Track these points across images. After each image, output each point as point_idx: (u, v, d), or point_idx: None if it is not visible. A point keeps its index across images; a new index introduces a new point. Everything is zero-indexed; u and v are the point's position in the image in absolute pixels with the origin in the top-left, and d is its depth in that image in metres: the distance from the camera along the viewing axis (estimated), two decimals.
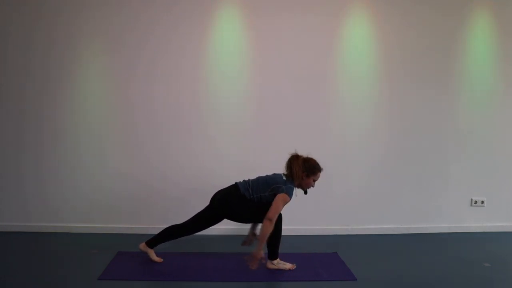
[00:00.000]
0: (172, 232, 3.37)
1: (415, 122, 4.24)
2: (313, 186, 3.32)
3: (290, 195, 3.17)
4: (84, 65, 3.93)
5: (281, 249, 3.32)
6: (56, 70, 3.91)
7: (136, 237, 3.78)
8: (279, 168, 4.10)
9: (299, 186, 3.27)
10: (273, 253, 3.28)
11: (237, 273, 3.23)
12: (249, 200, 3.24)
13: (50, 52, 3.89)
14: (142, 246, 3.38)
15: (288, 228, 3.98)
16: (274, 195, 3.17)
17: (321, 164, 4.11)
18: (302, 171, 3.22)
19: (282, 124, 4.10)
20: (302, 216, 4.17)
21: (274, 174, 3.31)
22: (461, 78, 4.27)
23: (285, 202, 3.16)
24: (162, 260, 3.37)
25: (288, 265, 3.30)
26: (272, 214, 3.09)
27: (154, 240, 3.37)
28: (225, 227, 3.99)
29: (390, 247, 3.91)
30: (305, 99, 4.10)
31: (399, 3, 4.13)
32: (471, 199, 4.40)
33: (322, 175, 4.14)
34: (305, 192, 3.34)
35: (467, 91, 4.28)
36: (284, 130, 4.10)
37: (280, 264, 3.30)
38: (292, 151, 3.28)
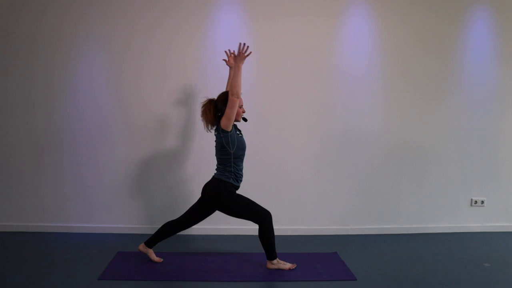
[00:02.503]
0: (169, 229, 3.38)
1: (415, 122, 4.24)
2: (244, 112, 3.35)
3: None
4: (86, 66, 3.93)
5: (281, 249, 3.33)
6: (58, 70, 3.91)
7: (136, 237, 3.79)
8: (278, 167, 4.12)
9: (235, 120, 3.26)
10: (271, 254, 3.28)
11: (237, 273, 3.23)
12: (234, 191, 3.26)
13: (53, 53, 3.89)
14: (141, 247, 3.39)
15: (288, 228, 4.01)
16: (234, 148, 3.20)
17: (321, 163, 4.16)
18: (220, 109, 3.22)
19: (282, 124, 4.10)
20: (302, 216, 4.17)
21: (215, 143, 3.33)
22: (461, 79, 4.26)
23: (232, 106, 3.13)
24: (161, 260, 3.38)
25: (288, 265, 3.30)
26: (227, 115, 3.13)
27: (153, 239, 3.38)
28: (225, 227, 4.00)
29: (390, 247, 3.91)
30: (305, 99, 4.09)
31: (399, 5, 4.12)
32: (471, 199, 4.40)
33: (322, 175, 4.17)
34: (245, 120, 3.38)
35: (467, 91, 4.28)
36: (284, 130, 4.10)
37: (280, 264, 3.30)
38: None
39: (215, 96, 3.34)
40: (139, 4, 3.92)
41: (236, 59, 3.26)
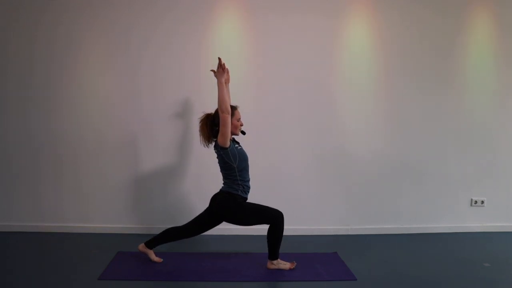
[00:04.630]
0: (173, 234, 3.37)
1: (415, 122, 4.24)
2: (242, 125, 3.33)
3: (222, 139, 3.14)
4: (87, 65, 3.93)
5: (282, 249, 3.32)
6: (57, 72, 3.91)
7: (136, 237, 3.79)
8: (278, 167, 4.12)
9: (233, 134, 3.26)
10: (273, 254, 3.27)
11: (237, 273, 3.23)
12: (243, 201, 3.26)
13: (52, 52, 3.89)
14: (141, 247, 3.39)
15: (288, 228, 3.97)
16: (233, 160, 3.19)
17: (321, 163, 4.17)
18: (218, 124, 3.17)
19: (282, 125, 4.10)
20: (302, 216, 4.17)
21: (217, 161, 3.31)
22: (461, 79, 4.26)
23: (225, 124, 3.10)
24: (161, 260, 3.38)
25: (288, 265, 3.30)
26: (222, 132, 3.11)
27: (154, 241, 3.37)
28: (225, 227, 3.98)
29: (390, 247, 3.91)
30: (305, 99, 4.10)
31: (399, 5, 4.12)
32: (471, 199, 4.40)
33: (322, 175, 4.17)
34: (243, 133, 3.37)
35: (467, 91, 4.28)
36: (284, 130, 4.10)
37: (280, 264, 3.29)
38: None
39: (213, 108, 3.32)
40: (138, 3, 3.92)
41: (216, 75, 3.22)
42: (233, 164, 3.20)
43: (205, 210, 3.35)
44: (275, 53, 4.04)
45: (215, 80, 3.22)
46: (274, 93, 4.07)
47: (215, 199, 3.29)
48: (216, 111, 3.23)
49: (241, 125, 3.33)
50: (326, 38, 4.08)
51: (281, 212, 3.25)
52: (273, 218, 3.22)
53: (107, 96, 3.97)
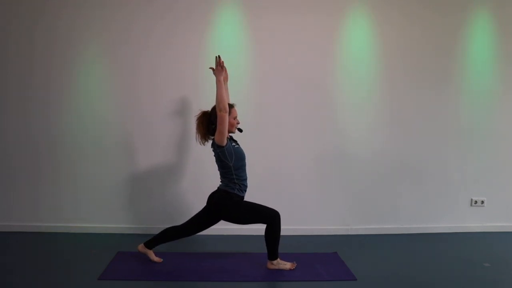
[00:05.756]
0: (172, 234, 3.37)
1: (415, 122, 4.24)
2: (238, 123, 3.33)
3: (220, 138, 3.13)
4: (87, 64, 3.93)
5: (281, 249, 3.32)
6: (58, 70, 3.91)
7: (136, 237, 3.79)
8: (278, 167, 4.12)
9: (229, 132, 3.25)
10: (272, 254, 3.27)
11: (237, 273, 3.23)
12: (240, 200, 3.25)
13: (52, 52, 3.89)
14: (141, 247, 3.39)
15: (288, 228, 4.00)
16: (229, 159, 3.18)
17: (321, 163, 4.16)
18: (214, 122, 3.17)
19: (282, 124, 4.10)
20: (302, 216, 4.17)
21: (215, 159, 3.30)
22: (461, 78, 4.26)
23: (222, 122, 3.09)
24: (161, 260, 3.38)
25: (288, 265, 3.30)
26: (219, 131, 3.10)
27: (153, 242, 3.37)
28: (225, 227, 3.98)
29: (390, 247, 3.91)
30: (304, 99, 4.09)
31: (399, 5, 4.12)
32: (471, 199, 4.39)
33: (322, 175, 4.17)
34: (240, 130, 3.36)
35: (467, 91, 4.28)
36: (284, 130, 4.10)
37: (280, 264, 3.29)
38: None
39: (210, 106, 3.32)
40: (137, 2, 3.92)
41: (214, 73, 3.22)
42: (229, 163, 3.20)
43: (203, 209, 3.35)
44: (275, 53, 4.04)
45: (214, 79, 3.22)
46: (274, 93, 4.06)
47: (212, 197, 3.30)
48: (213, 109, 3.23)
49: (238, 123, 3.34)
50: (326, 38, 4.08)
51: (277, 212, 3.25)
52: (270, 217, 3.22)
53: (106, 96, 3.97)
